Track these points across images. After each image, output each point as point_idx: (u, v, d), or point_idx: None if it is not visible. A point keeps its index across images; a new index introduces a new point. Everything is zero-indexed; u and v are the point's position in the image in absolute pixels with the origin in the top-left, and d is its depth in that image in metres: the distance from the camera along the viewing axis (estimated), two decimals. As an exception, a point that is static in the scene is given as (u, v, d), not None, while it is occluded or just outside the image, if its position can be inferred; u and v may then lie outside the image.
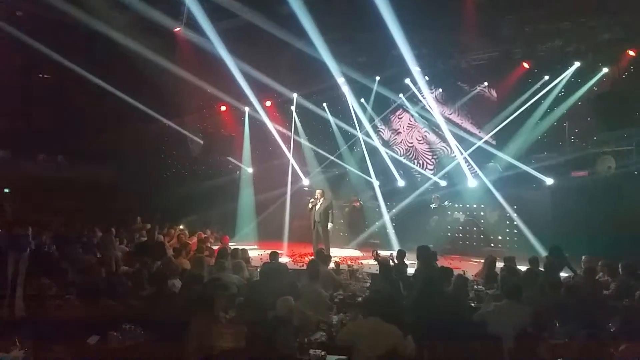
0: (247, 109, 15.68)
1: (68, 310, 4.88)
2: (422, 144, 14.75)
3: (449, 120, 13.73)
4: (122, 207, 13.71)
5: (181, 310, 4.90)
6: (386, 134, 15.31)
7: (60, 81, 13.65)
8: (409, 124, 14.95)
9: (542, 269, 7.06)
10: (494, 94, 13.40)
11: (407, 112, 14.83)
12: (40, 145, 14.95)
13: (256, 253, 11.45)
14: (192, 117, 15.60)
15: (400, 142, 15.09)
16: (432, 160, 14.50)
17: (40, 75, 14.20)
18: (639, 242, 9.01)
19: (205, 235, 11.44)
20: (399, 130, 15.15)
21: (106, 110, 13.86)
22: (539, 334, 4.82)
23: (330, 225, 11.09)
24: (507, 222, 12.49)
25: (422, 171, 14.43)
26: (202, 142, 16.01)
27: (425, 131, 14.56)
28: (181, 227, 12.36)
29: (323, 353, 4.50)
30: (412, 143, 14.92)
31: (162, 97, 13.94)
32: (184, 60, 12.82)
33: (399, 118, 15.16)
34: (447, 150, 14.01)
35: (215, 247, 9.67)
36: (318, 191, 11.47)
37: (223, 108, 16.12)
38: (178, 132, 15.46)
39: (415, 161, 14.77)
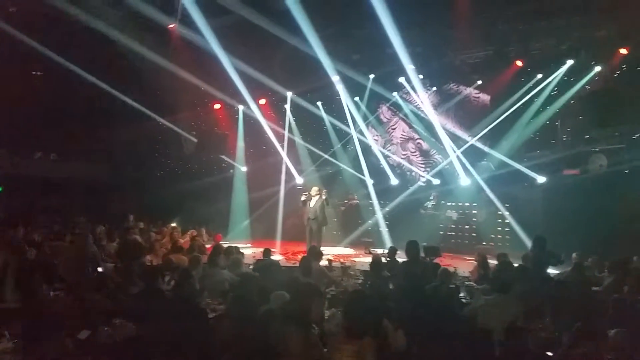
0: (241, 107, 15.65)
1: (57, 304, 4.87)
2: (416, 155, 14.67)
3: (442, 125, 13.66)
4: (116, 205, 13.66)
5: (173, 309, 4.88)
6: (379, 143, 15.24)
7: (52, 78, 13.57)
8: (402, 135, 14.89)
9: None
10: (487, 98, 13.37)
11: (401, 119, 14.76)
12: (34, 143, 14.90)
13: (249, 251, 11.42)
14: (186, 115, 15.54)
15: (394, 153, 15.01)
16: (426, 171, 14.35)
17: (33, 73, 14.11)
18: (629, 239, 9.08)
19: (198, 234, 11.40)
20: (393, 142, 15.10)
21: (99, 107, 13.81)
22: (528, 327, 4.84)
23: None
24: (499, 220, 12.54)
25: (416, 170, 14.42)
26: (195, 140, 15.97)
27: (419, 143, 14.51)
28: (174, 225, 12.34)
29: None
30: (406, 154, 14.83)
31: (156, 95, 13.90)
32: (178, 57, 12.77)
33: (392, 129, 15.12)
34: (441, 161, 13.88)
35: (209, 246, 9.60)
36: (314, 188, 11.37)
37: (217, 106, 16.06)
38: (172, 131, 15.42)
39: (409, 172, 14.67)
